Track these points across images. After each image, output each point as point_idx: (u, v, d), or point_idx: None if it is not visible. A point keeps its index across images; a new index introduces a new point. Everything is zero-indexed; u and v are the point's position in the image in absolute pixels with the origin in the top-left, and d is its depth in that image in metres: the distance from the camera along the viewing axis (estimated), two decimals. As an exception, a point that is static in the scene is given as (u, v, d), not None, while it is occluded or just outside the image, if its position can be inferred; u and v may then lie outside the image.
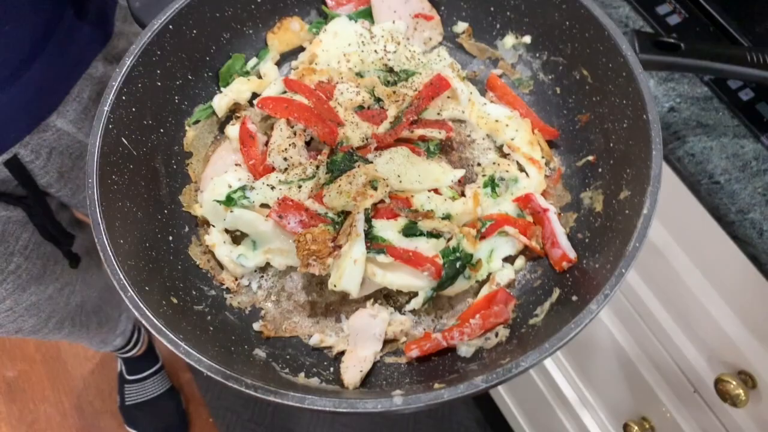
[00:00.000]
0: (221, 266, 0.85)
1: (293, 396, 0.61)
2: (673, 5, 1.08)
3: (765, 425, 1.09)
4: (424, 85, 0.88)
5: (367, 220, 0.77)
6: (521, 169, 0.88)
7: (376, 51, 0.94)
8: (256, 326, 0.81)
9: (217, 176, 0.86)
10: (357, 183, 0.78)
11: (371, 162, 0.81)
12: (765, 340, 1.03)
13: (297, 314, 0.82)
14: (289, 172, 0.83)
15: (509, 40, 0.96)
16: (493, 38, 0.98)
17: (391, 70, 0.94)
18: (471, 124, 0.92)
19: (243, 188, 0.83)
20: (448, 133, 0.87)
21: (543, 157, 0.89)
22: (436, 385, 0.63)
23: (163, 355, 2.36)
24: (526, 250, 0.84)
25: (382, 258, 0.76)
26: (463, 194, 0.84)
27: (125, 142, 0.81)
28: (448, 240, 0.78)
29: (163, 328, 0.65)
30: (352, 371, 0.74)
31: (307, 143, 0.87)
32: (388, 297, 0.82)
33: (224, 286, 0.84)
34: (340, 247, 0.76)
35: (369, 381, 0.75)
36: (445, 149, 0.90)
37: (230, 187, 0.84)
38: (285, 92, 0.91)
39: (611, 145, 0.82)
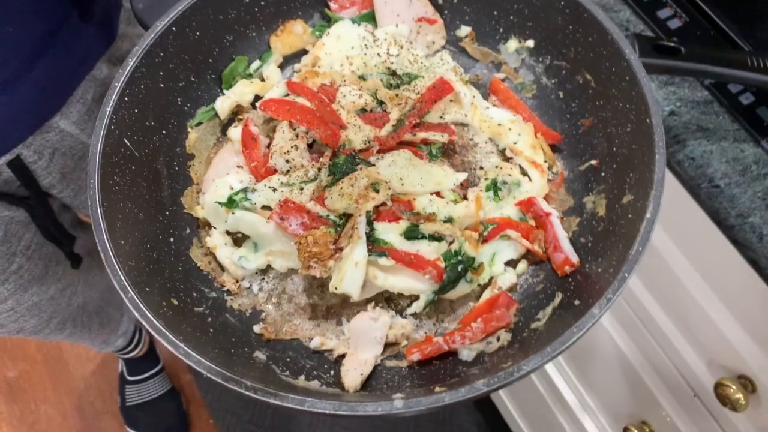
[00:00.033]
0: (222, 268, 0.85)
1: (293, 398, 0.61)
2: (673, 9, 1.08)
3: (765, 430, 1.08)
4: (427, 88, 0.88)
5: (369, 223, 0.77)
6: (524, 173, 0.88)
7: (378, 54, 0.94)
8: (257, 328, 0.80)
9: (218, 178, 0.86)
10: (359, 185, 0.78)
11: (373, 165, 0.81)
12: (765, 344, 1.03)
13: (298, 317, 0.82)
14: (290, 174, 0.83)
15: (512, 44, 0.96)
16: (497, 42, 0.98)
17: (393, 74, 0.94)
18: (473, 128, 0.92)
19: (245, 190, 0.83)
20: (450, 137, 0.87)
21: (546, 161, 0.89)
22: (437, 389, 0.62)
23: (164, 356, 2.36)
24: (528, 254, 0.84)
25: (383, 261, 0.76)
26: (465, 198, 0.84)
27: (127, 143, 0.81)
28: (450, 243, 0.78)
29: (163, 329, 0.65)
30: (352, 374, 0.74)
31: (310, 146, 0.87)
32: (389, 300, 0.82)
33: (225, 288, 0.84)
34: (341, 249, 0.76)
35: (369, 384, 0.75)
36: (447, 153, 0.90)
37: (232, 188, 0.84)
38: (288, 95, 0.91)
39: (614, 149, 0.82)
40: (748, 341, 1.04)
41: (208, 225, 0.86)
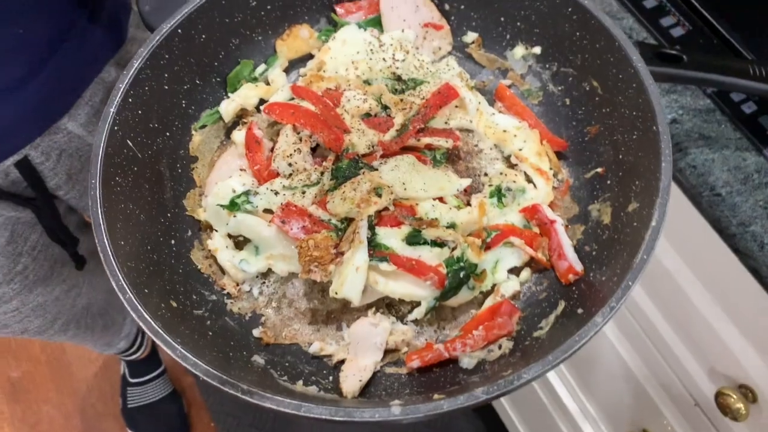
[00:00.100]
0: (223, 271, 0.84)
1: (289, 403, 0.60)
2: (677, 17, 1.08)
3: (765, 439, 1.07)
4: (432, 93, 0.88)
5: (371, 228, 0.76)
6: (529, 180, 0.87)
7: (384, 59, 0.94)
8: (256, 332, 0.80)
9: (221, 181, 0.86)
10: (361, 190, 0.77)
11: (376, 169, 0.81)
12: (766, 353, 1.02)
13: (297, 321, 0.81)
14: (293, 177, 0.83)
15: (519, 50, 0.96)
16: (503, 48, 0.97)
17: (399, 79, 0.93)
18: (479, 134, 0.91)
19: (247, 193, 0.82)
20: (455, 143, 0.86)
21: (551, 169, 0.88)
22: (436, 396, 0.61)
23: (165, 359, 2.36)
24: (532, 262, 0.83)
25: (384, 266, 0.75)
26: (468, 204, 0.83)
27: (130, 144, 0.81)
28: (453, 249, 0.77)
29: (160, 331, 0.65)
30: (351, 380, 0.73)
31: (313, 150, 0.87)
32: (390, 306, 0.81)
33: (225, 292, 0.83)
34: (342, 254, 0.75)
35: (368, 391, 0.74)
36: (452, 158, 0.89)
37: (234, 191, 0.83)
38: (292, 99, 0.91)
39: (620, 156, 0.81)
40: (749, 350, 1.03)
41: (209, 228, 0.86)
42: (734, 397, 1.04)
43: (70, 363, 2.45)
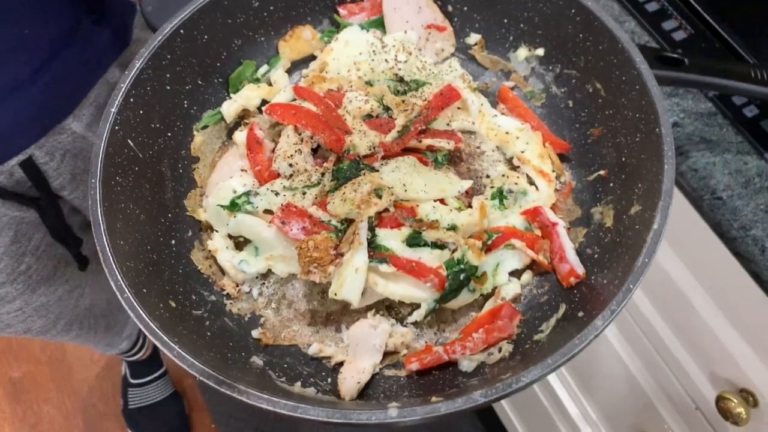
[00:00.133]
0: (223, 272, 0.84)
1: (285, 404, 0.60)
2: (679, 21, 1.07)
3: (767, 444, 1.06)
4: (434, 95, 0.88)
5: (371, 229, 0.76)
6: (531, 182, 0.87)
7: (386, 60, 0.93)
8: (255, 333, 0.79)
9: (222, 181, 0.86)
10: (362, 191, 0.77)
11: (377, 170, 0.80)
12: (767, 357, 1.01)
13: (297, 323, 0.81)
14: (294, 178, 0.82)
15: (522, 52, 0.95)
16: (506, 50, 0.97)
17: (401, 80, 0.93)
18: (481, 136, 0.90)
19: (247, 194, 0.82)
20: (456, 144, 0.86)
21: (554, 171, 0.88)
22: (433, 399, 0.61)
23: (166, 360, 2.37)
24: (533, 265, 0.82)
25: (384, 267, 0.74)
26: (470, 206, 0.83)
27: (131, 144, 0.81)
28: (453, 251, 0.77)
29: (158, 331, 0.64)
30: (349, 382, 0.73)
31: (314, 150, 0.87)
32: (390, 308, 0.81)
33: (225, 292, 0.83)
34: (342, 255, 0.75)
35: (366, 393, 0.74)
36: (453, 160, 0.88)
37: (235, 192, 0.83)
38: (294, 100, 0.91)
39: (623, 159, 0.80)
40: (750, 354, 1.03)
41: (210, 228, 0.86)
42: (735, 401, 1.03)
43: (71, 363, 2.46)
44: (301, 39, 0.99)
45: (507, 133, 0.90)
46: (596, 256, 0.78)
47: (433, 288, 0.75)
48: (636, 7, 1.12)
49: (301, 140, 0.85)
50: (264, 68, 0.98)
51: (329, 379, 0.75)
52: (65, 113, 1.18)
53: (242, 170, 0.88)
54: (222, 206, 0.82)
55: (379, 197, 0.76)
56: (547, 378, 1.58)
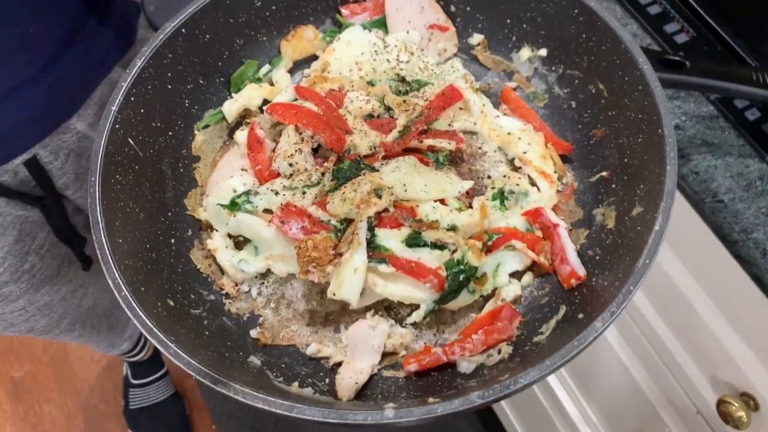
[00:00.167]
0: (222, 271, 0.84)
1: (281, 404, 0.60)
2: (681, 24, 1.07)
3: (768, 448, 1.05)
4: (436, 95, 0.87)
5: (370, 229, 0.75)
6: (533, 183, 0.86)
7: (388, 60, 0.93)
8: (253, 333, 0.79)
9: (223, 181, 0.86)
10: (361, 191, 0.76)
11: (377, 170, 0.80)
12: (768, 361, 1.00)
13: (296, 323, 0.80)
14: (294, 178, 0.82)
15: (525, 52, 0.95)
16: (509, 51, 0.97)
17: (403, 80, 0.93)
18: (483, 136, 0.90)
19: (247, 193, 0.82)
20: (458, 145, 0.85)
21: (556, 172, 0.87)
22: (431, 399, 0.60)
23: (167, 361, 2.37)
24: (534, 266, 0.82)
25: (383, 268, 0.74)
26: (470, 206, 0.82)
27: (131, 142, 0.81)
28: (453, 252, 0.76)
29: (154, 329, 0.64)
30: (347, 383, 0.72)
31: (315, 150, 0.86)
32: (389, 309, 0.80)
33: (224, 292, 0.82)
34: (341, 255, 0.74)
35: (364, 394, 0.73)
36: (455, 161, 0.88)
37: (235, 191, 0.83)
38: (296, 99, 0.90)
39: (626, 160, 0.80)
40: (751, 358, 1.02)
41: (210, 227, 0.86)
42: (736, 405, 1.03)
43: (72, 363, 2.47)
44: (303, 39, 0.99)
45: (509, 133, 0.89)
46: (597, 257, 0.77)
47: (433, 289, 0.74)
48: (638, 9, 1.12)
49: (302, 140, 0.85)
50: (266, 68, 0.98)
51: (327, 380, 0.75)
52: (69, 113, 1.18)
53: (243, 170, 0.87)
54: (222, 205, 0.82)
55: (379, 197, 0.76)
56: (548, 380, 1.58)
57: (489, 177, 0.87)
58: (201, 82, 0.92)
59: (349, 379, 0.73)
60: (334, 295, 0.73)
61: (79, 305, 1.57)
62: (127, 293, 0.67)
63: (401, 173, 0.79)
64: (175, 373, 2.39)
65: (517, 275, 0.81)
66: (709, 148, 0.96)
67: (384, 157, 0.82)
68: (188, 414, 2.34)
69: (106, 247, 0.70)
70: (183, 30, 0.87)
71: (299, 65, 1.00)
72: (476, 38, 0.98)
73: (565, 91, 0.91)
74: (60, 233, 1.33)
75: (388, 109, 0.88)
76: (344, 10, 0.99)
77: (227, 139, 0.94)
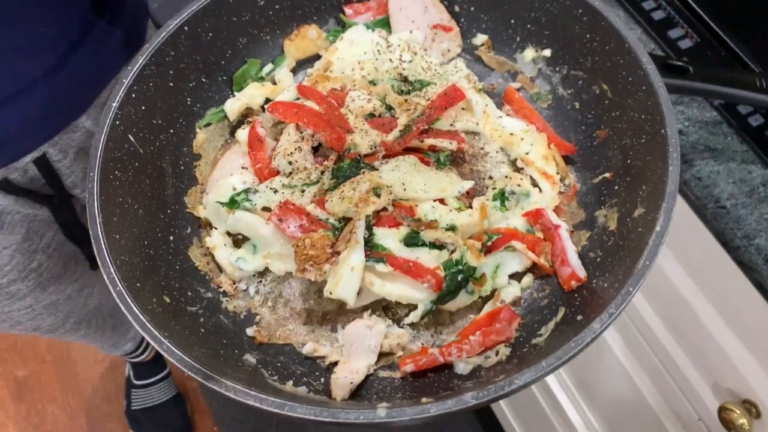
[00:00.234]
0: (220, 269, 0.83)
1: (273, 401, 0.59)
2: (685, 29, 1.07)
3: (769, 455, 1.03)
4: (438, 95, 0.86)
5: (368, 228, 0.75)
6: (535, 184, 0.85)
7: (391, 60, 0.92)
8: (250, 331, 0.79)
9: (223, 179, 0.85)
10: (360, 189, 0.76)
11: (377, 169, 0.79)
12: (770, 368, 0.99)
13: (292, 321, 0.80)
14: (293, 176, 0.82)
15: (529, 53, 0.94)
16: (513, 51, 0.96)
17: (405, 80, 0.92)
18: (485, 137, 0.89)
19: (246, 191, 0.81)
20: (459, 145, 0.84)
21: (558, 173, 0.86)
22: (424, 399, 0.59)
23: (170, 362, 2.37)
24: (534, 268, 0.81)
25: (381, 267, 0.73)
26: (471, 207, 0.81)
27: (132, 139, 0.81)
28: (452, 252, 0.75)
29: (148, 324, 0.64)
30: (342, 382, 0.71)
31: (315, 149, 0.86)
32: (387, 309, 0.79)
33: (221, 289, 0.82)
34: (338, 253, 0.74)
35: (359, 394, 0.72)
36: (456, 161, 0.87)
37: (235, 189, 0.83)
38: (298, 99, 0.90)
39: (629, 161, 0.79)
40: (753, 365, 1.01)
41: (209, 225, 0.86)
42: (738, 412, 1.02)
43: (75, 363, 2.48)
44: (306, 38, 0.99)
45: (511, 134, 0.88)
46: (599, 259, 0.76)
47: (430, 289, 0.74)
48: (642, 15, 1.11)
49: (302, 138, 0.84)
50: (269, 67, 0.98)
51: (322, 379, 0.74)
52: (78, 112, 1.19)
53: (243, 168, 0.87)
54: (221, 203, 0.81)
55: (378, 196, 0.75)
56: (549, 383, 1.57)
57: (491, 178, 0.87)
58: (203, 80, 0.92)
59: (344, 379, 0.72)
60: (330, 293, 0.72)
61: (85, 304, 1.57)
62: (122, 288, 0.67)
63: (401, 172, 0.79)
64: (178, 375, 2.39)
65: (517, 277, 0.80)
66: (711, 153, 0.95)
67: (384, 157, 0.82)
68: (190, 415, 2.34)
69: (102, 242, 0.69)
70: (186, 28, 0.87)
71: (302, 65, 1.00)
72: (480, 38, 0.97)
73: (569, 91, 0.90)
74: (68, 232, 1.34)
75: (390, 108, 0.87)
76: (348, 10, 0.99)
77: (228, 138, 0.94)
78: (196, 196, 0.88)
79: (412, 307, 0.77)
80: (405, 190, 0.77)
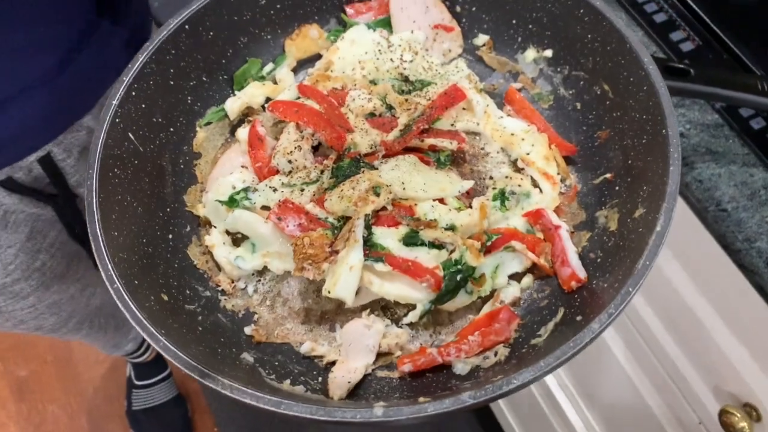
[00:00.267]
0: (219, 268, 0.83)
1: (269, 400, 0.59)
2: (686, 32, 1.07)
3: (770, 459, 1.03)
4: (438, 95, 0.86)
5: (367, 227, 0.74)
6: (535, 184, 0.85)
7: (392, 60, 0.92)
8: (248, 330, 0.78)
9: (223, 177, 0.85)
10: (359, 188, 0.75)
11: (377, 168, 0.79)
12: (771, 372, 0.99)
13: (291, 321, 0.79)
14: (293, 175, 0.81)
15: (530, 53, 0.94)
16: (514, 51, 0.96)
17: (406, 80, 0.92)
18: (485, 137, 0.89)
19: (246, 190, 0.81)
20: (459, 144, 0.84)
21: (559, 174, 0.85)
22: (421, 399, 0.59)
23: (171, 363, 2.37)
24: (534, 269, 0.80)
25: (380, 266, 0.73)
26: (470, 207, 0.81)
27: (132, 137, 0.81)
28: (451, 252, 0.75)
29: (144, 321, 0.64)
30: (339, 381, 0.71)
31: (315, 148, 0.86)
32: (385, 308, 0.79)
33: (220, 288, 0.82)
34: (337, 252, 0.73)
35: (357, 393, 0.72)
36: (457, 161, 0.87)
37: (234, 188, 0.83)
38: (299, 98, 0.90)
39: (629, 162, 0.78)
40: (754, 368, 1.00)
41: (208, 224, 0.85)
42: (738, 415, 1.01)
43: (76, 363, 2.48)
44: (307, 38, 0.99)
45: (512, 134, 0.88)
46: (599, 260, 0.76)
47: (429, 288, 0.73)
48: (644, 17, 1.11)
49: (302, 137, 0.84)
50: (269, 66, 0.97)
51: (320, 378, 0.74)
52: (83, 112, 1.19)
53: (243, 167, 0.87)
54: (220, 201, 0.81)
55: (377, 195, 0.75)
56: (549, 385, 1.57)
57: (491, 178, 0.86)
58: (204, 79, 0.92)
59: (341, 378, 0.71)
60: (329, 293, 0.72)
61: (88, 304, 1.57)
62: (119, 285, 0.66)
63: (400, 171, 0.79)
64: (179, 376, 2.39)
65: (517, 277, 0.80)
66: (713, 156, 0.95)
67: (384, 156, 0.81)
68: (191, 416, 2.34)
69: (100, 239, 0.69)
70: (187, 26, 0.87)
71: (303, 64, 0.99)
72: (481, 39, 0.97)
73: (571, 92, 0.90)
74: (72, 231, 1.34)
75: (390, 108, 0.87)
76: (349, 10, 0.99)
77: (229, 137, 0.94)
78: (195, 195, 0.88)
79: (411, 306, 0.76)
80: (404, 189, 0.77)
